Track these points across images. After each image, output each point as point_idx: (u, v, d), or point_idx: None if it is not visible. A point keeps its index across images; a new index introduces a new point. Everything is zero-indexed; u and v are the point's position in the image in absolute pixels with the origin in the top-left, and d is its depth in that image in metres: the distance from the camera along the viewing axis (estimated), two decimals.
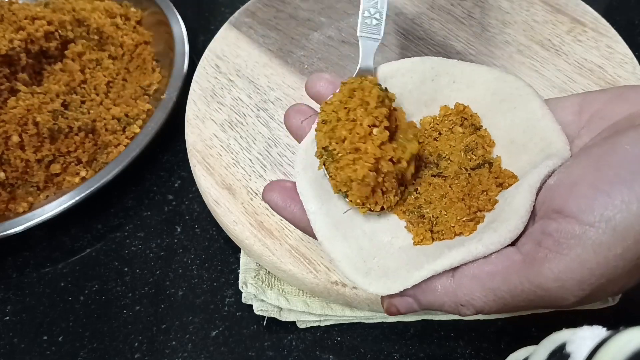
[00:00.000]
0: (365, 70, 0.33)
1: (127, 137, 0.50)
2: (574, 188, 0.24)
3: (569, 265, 0.23)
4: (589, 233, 0.23)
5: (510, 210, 0.26)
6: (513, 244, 0.26)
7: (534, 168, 0.28)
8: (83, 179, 0.48)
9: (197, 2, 0.64)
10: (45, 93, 0.50)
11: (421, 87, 0.33)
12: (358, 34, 0.34)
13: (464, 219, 0.28)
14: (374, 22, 0.33)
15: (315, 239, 0.29)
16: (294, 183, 0.30)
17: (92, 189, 0.45)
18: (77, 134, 0.48)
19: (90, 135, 0.49)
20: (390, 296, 0.28)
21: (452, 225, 0.28)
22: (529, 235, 0.26)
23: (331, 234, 0.28)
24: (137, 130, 0.50)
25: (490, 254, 0.26)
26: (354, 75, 0.32)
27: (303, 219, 0.29)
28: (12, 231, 0.44)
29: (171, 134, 0.52)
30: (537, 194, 0.27)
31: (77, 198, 0.45)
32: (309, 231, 0.29)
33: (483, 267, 0.25)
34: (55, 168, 0.48)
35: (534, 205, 0.26)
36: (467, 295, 0.25)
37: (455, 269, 0.26)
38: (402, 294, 0.27)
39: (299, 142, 0.32)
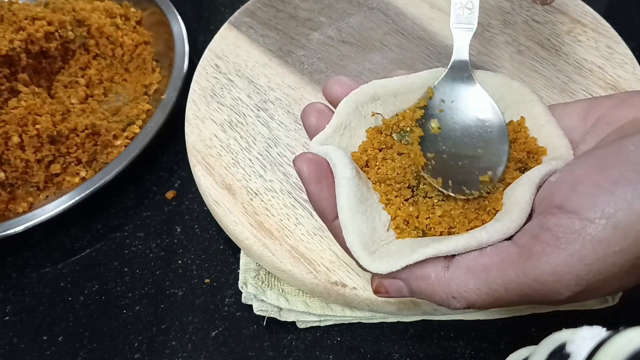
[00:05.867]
0: (459, 62, 0.32)
1: (127, 137, 0.50)
2: (576, 185, 0.24)
3: (567, 260, 0.23)
4: (589, 229, 0.23)
5: (511, 203, 0.27)
6: (509, 238, 0.26)
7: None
8: (83, 179, 0.48)
9: (197, 2, 0.64)
10: (46, 94, 0.50)
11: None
12: (451, 25, 0.33)
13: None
14: (467, 12, 0.33)
15: (328, 224, 0.29)
16: (327, 161, 0.29)
17: (92, 189, 0.45)
18: (77, 135, 0.48)
19: (91, 135, 0.49)
20: (381, 276, 0.27)
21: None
22: (526, 230, 0.26)
23: (355, 205, 0.28)
24: (137, 130, 0.50)
25: (486, 247, 0.26)
26: (448, 67, 0.32)
27: (326, 198, 0.29)
28: (12, 231, 0.44)
29: (171, 134, 0.52)
30: (537, 191, 0.27)
31: (77, 198, 0.45)
32: (328, 212, 0.29)
33: (478, 260, 0.25)
34: (55, 168, 0.48)
35: (532, 202, 0.27)
36: (460, 287, 0.25)
37: (450, 259, 0.26)
38: (393, 276, 0.27)
39: (311, 139, 0.31)
